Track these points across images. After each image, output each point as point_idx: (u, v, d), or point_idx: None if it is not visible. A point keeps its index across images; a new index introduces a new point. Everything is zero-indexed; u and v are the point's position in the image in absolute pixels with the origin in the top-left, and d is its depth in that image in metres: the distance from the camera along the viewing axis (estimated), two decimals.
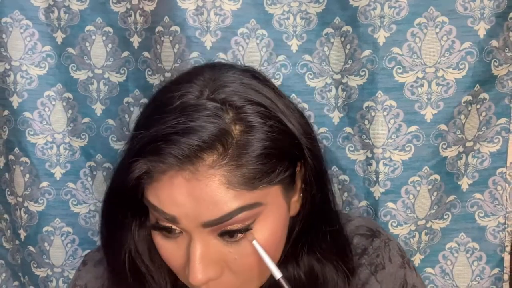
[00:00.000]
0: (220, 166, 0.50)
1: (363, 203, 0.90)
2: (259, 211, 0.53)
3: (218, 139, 0.50)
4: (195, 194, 0.50)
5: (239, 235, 0.53)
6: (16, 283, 1.06)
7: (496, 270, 0.91)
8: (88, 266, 0.72)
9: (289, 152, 0.56)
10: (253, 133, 0.52)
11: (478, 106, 0.87)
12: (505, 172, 0.89)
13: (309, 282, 0.62)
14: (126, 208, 0.57)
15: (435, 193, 0.89)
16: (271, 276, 0.59)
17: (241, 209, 0.51)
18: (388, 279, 0.66)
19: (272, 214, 0.55)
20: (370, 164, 0.88)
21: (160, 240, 0.56)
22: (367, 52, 0.86)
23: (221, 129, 0.51)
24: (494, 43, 0.83)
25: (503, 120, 0.88)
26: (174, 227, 0.53)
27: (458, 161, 0.89)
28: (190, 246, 0.53)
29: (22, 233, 0.99)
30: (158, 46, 0.89)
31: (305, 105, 0.90)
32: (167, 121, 0.51)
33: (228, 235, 0.53)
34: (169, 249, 0.55)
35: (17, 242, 1.01)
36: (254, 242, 0.53)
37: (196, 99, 0.53)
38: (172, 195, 0.51)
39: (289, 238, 0.61)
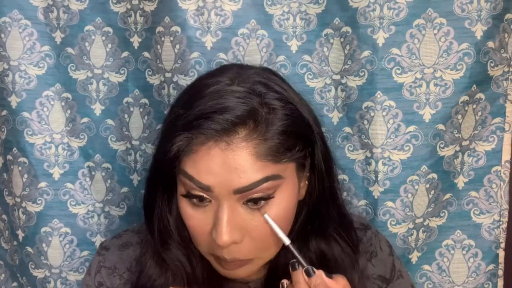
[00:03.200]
0: (251, 140, 0.59)
1: (362, 202, 0.91)
2: (280, 183, 0.61)
3: (250, 116, 0.60)
4: (228, 163, 0.58)
5: (262, 202, 0.61)
6: (15, 284, 1.06)
7: (491, 266, 0.93)
8: (112, 250, 0.75)
9: (304, 134, 0.65)
10: (275, 114, 0.61)
11: (474, 106, 0.89)
12: (500, 171, 0.91)
13: (321, 265, 0.67)
14: (167, 180, 0.64)
15: (432, 192, 0.90)
16: (282, 257, 0.67)
17: (266, 179, 0.59)
18: (380, 264, 0.76)
19: (289, 188, 0.63)
20: (369, 164, 0.90)
21: (189, 210, 0.63)
22: (366, 53, 0.87)
23: (252, 108, 0.60)
24: (490, 44, 0.85)
25: (498, 119, 0.90)
26: (205, 195, 0.61)
27: (455, 160, 0.90)
28: (218, 211, 0.60)
29: (20, 234, 0.98)
30: (158, 46, 0.90)
31: None
32: (205, 102, 0.60)
33: (253, 202, 0.61)
34: (196, 217, 0.62)
35: (15, 243, 1.00)
36: (266, 216, 0.61)
37: (227, 86, 0.62)
38: (209, 165, 0.59)
39: (296, 221, 0.68)
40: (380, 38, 0.86)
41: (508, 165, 0.91)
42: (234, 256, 0.62)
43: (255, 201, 0.61)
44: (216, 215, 0.61)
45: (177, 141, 0.60)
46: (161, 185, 0.66)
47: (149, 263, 0.70)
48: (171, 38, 0.89)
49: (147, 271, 0.70)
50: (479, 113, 0.90)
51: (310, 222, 0.69)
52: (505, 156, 0.91)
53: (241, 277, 0.67)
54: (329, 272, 0.62)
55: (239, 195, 0.60)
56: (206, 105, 0.60)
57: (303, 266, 0.61)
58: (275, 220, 0.61)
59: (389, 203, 0.90)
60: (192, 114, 0.60)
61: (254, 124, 0.60)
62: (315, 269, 0.61)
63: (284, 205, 0.63)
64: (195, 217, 0.63)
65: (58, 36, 0.94)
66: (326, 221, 0.70)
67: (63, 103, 0.96)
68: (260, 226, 0.62)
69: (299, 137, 0.63)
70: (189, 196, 0.62)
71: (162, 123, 0.70)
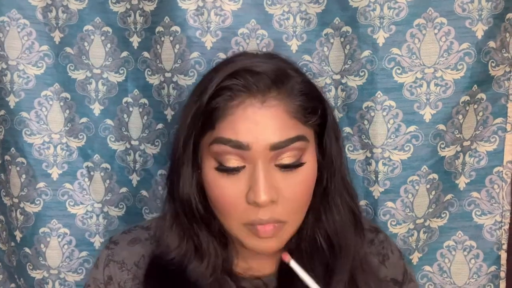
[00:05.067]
0: (283, 98, 0.63)
1: (363, 202, 0.91)
2: (306, 146, 0.65)
3: (279, 76, 0.64)
4: (264, 120, 0.62)
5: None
6: (12, 285, 1.05)
7: (493, 268, 0.92)
8: (121, 244, 0.74)
9: (321, 99, 0.69)
10: (294, 80, 0.65)
11: (476, 106, 0.88)
12: (502, 171, 0.91)
13: (328, 246, 0.70)
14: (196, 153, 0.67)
15: (433, 192, 0.90)
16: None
17: (298, 137, 0.63)
18: (393, 267, 0.77)
19: (312, 153, 0.67)
20: (370, 164, 0.89)
21: (221, 181, 0.65)
22: (366, 53, 0.86)
23: (278, 70, 0.65)
24: (491, 44, 0.85)
25: (499, 119, 0.89)
26: (239, 158, 0.63)
27: (456, 160, 0.90)
28: (253, 173, 0.63)
29: (18, 235, 0.98)
30: (158, 46, 0.89)
31: None
32: (234, 68, 0.64)
33: (284, 167, 0.64)
34: (229, 185, 0.64)
35: (13, 243, 1.00)
36: (292, 261, 0.65)
37: (250, 61, 0.66)
38: (246, 124, 0.62)
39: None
40: (380, 37, 0.86)
41: (510, 165, 0.90)
42: (270, 216, 0.63)
43: (286, 166, 0.64)
44: (251, 177, 0.63)
45: (213, 100, 0.63)
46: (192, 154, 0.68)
47: (166, 234, 0.71)
48: (171, 38, 0.88)
49: (165, 239, 0.71)
50: (481, 113, 0.89)
51: (323, 199, 0.71)
52: (507, 157, 0.90)
53: (272, 251, 0.67)
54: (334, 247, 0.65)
55: (273, 153, 0.62)
56: (237, 68, 0.64)
57: None
58: (304, 185, 0.65)
59: (389, 204, 0.89)
60: (224, 77, 0.63)
61: (283, 84, 0.64)
62: None
63: (311, 170, 0.66)
64: (228, 186, 0.64)
65: (57, 36, 0.94)
66: (335, 199, 0.71)
67: (61, 103, 0.96)
68: (292, 185, 0.64)
69: (318, 100, 0.67)
70: (221, 169, 0.64)
71: (190, 99, 0.69)
